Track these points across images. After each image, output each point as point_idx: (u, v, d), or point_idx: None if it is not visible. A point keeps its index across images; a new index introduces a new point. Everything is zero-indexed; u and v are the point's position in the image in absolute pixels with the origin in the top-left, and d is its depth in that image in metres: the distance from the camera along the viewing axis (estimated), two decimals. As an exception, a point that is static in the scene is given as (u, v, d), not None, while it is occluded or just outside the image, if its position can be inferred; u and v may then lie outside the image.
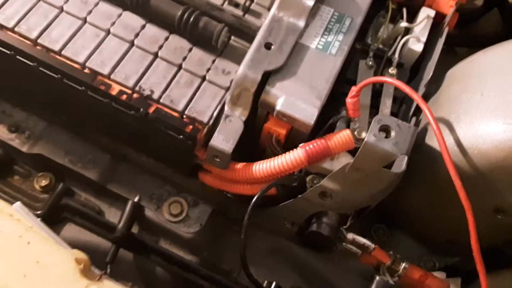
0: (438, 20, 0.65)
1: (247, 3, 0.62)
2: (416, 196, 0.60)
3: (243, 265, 0.57)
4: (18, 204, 0.49)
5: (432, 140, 0.53)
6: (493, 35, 0.85)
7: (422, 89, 0.59)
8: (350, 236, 0.57)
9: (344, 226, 0.57)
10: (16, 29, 0.57)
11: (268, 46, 0.56)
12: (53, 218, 0.65)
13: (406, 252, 0.63)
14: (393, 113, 0.59)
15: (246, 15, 0.62)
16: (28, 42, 0.57)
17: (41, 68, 0.56)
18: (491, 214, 0.52)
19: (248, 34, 0.60)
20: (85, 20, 0.59)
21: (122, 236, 0.63)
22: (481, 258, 0.45)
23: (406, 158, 0.47)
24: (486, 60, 0.55)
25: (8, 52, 0.56)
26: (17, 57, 0.56)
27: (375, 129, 0.46)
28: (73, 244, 0.50)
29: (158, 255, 0.65)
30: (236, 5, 0.62)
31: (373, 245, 0.56)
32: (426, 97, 0.60)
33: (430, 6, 0.66)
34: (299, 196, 0.56)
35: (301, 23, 0.57)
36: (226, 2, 0.62)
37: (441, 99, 0.57)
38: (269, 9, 0.60)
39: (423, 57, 0.63)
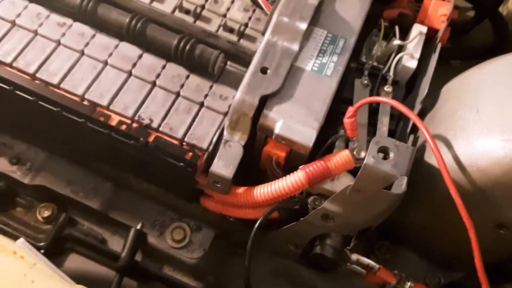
0: (430, 35, 0.66)
1: (242, 28, 0.63)
2: (418, 213, 0.60)
3: (248, 289, 0.57)
4: (21, 240, 0.49)
5: (431, 158, 0.53)
6: (485, 46, 0.86)
7: (418, 105, 0.60)
8: (354, 256, 0.57)
9: (347, 247, 0.57)
10: (14, 64, 0.58)
11: (264, 70, 0.56)
12: (56, 249, 0.65)
13: (411, 268, 0.63)
14: (391, 131, 0.59)
15: (241, 40, 0.63)
16: (27, 76, 0.58)
17: (40, 102, 0.56)
18: (494, 229, 0.52)
19: (243, 59, 0.60)
20: (82, 53, 0.60)
21: (126, 265, 0.63)
22: (486, 277, 0.45)
23: (406, 178, 0.48)
24: (481, 76, 0.56)
25: (7, 87, 0.57)
26: (16, 92, 0.57)
27: (374, 151, 0.47)
28: (77, 275, 0.50)
29: (162, 282, 0.65)
30: (231, 31, 0.63)
31: (377, 266, 0.56)
32: (423, 113, 0.60)
33: (422, 22, 0.66)
34: (302, 219, 0.56)
35: (295, 47, 0.58)
36: (221, 29, 0.63)
37: (437, 116, 0.58)
38: (263, 33, 0.61)
39: (417, 73, 0.64)
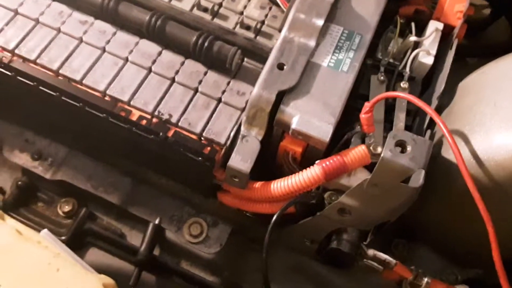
0: (447, 32, 0.66)
1: (258, 26, 0.64)
2: (435, 208, 0.60)
3: (265, 284, 0.58)
4: (45, 231, 0.51)
5: (448, 153, 0.53)
6: (502, 43, 0.86)
7: (435, 101, 0.60)
8: (371, 252, 0.57)
9: (364, 242, 0.57)
10: (38, 60, 0.60)
11: (280, 66, 0.57)
12: (77, 243, 0.67)
13: (427, 265, 0.63)
14: (408, 126, 0.59)
15: (258, 37, 0.63)
16: (50, 72, 0.59)
17: (63, 98, 0.58)
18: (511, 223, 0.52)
19: (260, 56, 0.61)
20: (104, 50, 0.61)
21: (145, 259, 0.64)
22: (504, 271, 0.45)
23: (423, 172, 0.48)
24: (497, 71, 0.56)
25: (31, 83, 0.59)
26: (40, 87, 0.59)
27: (391, 145, 0.47)
28: (97, 268, 0.51)
29: (180, 276, 0.66)
30: (248, 28, 0.64)
31: (394, 261, 0.56)
32: (439, 109, 0.60)
33: (438, 19, 0.66)
34: (318, 213, 0.57)
35: (312, 43, 0.59)
36: (238, 26, 0.64)
37: (454, 111, 0.58)
38: (279, 30, 0.62)
39: (434, 69, 0.64)
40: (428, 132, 0.57)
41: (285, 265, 0.68)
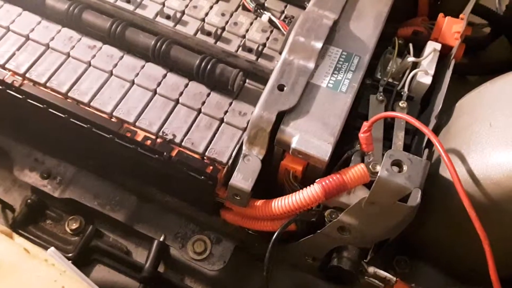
0: (445, 51, 0.67)
1: (260, 48, 0.66)
2: (435, 226, 0.60)
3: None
4: (52, 249, 0.52)
5: (445, 171, 0.54)
6: (502, 61, 0.87)
7: (433, 120, 0.61)
8: (371, 269, 0.57)
9: (364, 260, 0.58)
10: (48, 84, 0.62)
11: (281, 87, 0.59)
12: (83, 260, 0.68)
13: (430, 282, 0.63)
14: (407, 145, 0.60)
15: (259, 59, 0.65)
16: (59, 95, 0.62)
17: (71, 120, 0.60)
18: (510, 242, 0.52)
19: (262, 77, 0.63)
20: (111, 73, 0.63)
21: (149, 276, 0.65)
22: (501, 288, 0.46)
23: (419, 191, 0.48)
24: (493, 91, 0.57)
25: (41, 105, 0.61)
26: (49, 110, 0.61)
27: (388, 164, 0.48)
28: (103, 285, 0.52)
29: (184, 293, 0.67)
30: (250, 50, 0.66)
31: (394, 278, 0.57)
32: (438, 128, 0.61)
33: (436, 40, 0.68)
34: (318, 231, 0.58)
35: (311, 65, 0.60)
36: (240, 48, 0.66)
37: (452, 130, 0.59)
38: (280, 52, 0.64)
39: (432, 89, 0.65)
40: (426, 151, 0.58)
41: (289, 282, 0.68)
